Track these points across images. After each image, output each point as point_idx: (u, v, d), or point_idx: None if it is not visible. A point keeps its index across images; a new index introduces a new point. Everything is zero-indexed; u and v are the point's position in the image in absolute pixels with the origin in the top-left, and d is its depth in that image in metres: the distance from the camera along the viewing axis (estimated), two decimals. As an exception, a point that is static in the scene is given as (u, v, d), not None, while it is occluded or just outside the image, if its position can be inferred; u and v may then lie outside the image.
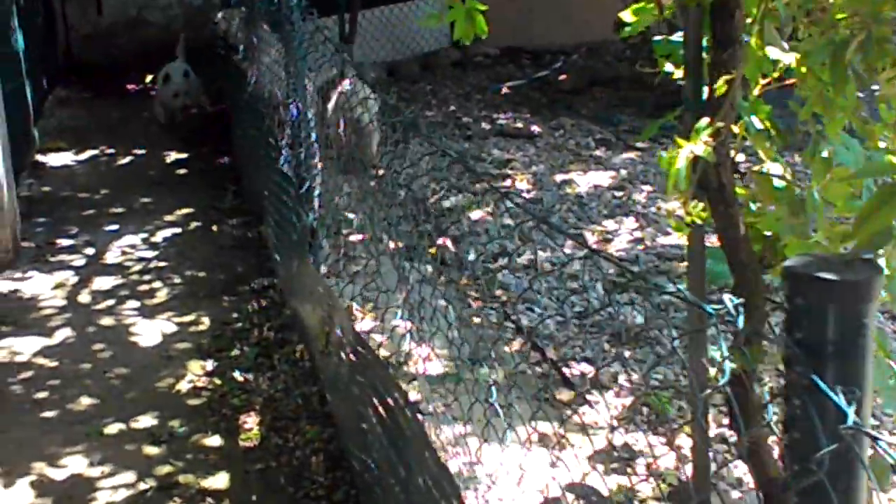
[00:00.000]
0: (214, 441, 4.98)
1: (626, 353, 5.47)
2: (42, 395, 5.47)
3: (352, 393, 4.00)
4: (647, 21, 3.34)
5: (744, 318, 1.63)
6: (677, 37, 3.03)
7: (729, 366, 1.62)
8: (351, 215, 6.63)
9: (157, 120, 10.34)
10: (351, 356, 3.93)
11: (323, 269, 5.30)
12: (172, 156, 9.64)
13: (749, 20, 2.67)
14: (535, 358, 5.39)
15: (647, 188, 7.85)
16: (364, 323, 5.36)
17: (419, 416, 3.25)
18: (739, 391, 2.32)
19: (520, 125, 9.63)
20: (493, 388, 3.09)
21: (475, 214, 7.35)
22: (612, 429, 4.66)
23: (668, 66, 3.15)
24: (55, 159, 9.74)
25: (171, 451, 4.90)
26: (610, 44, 12.06)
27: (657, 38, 3.66)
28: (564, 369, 5.31)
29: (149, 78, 12.37)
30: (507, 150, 8.86)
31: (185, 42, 9.39)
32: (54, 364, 5.81)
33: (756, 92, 2.83)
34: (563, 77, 11.17)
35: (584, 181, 8.05)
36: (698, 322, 2.85)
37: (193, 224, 7.96)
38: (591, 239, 6.80)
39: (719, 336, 1.65)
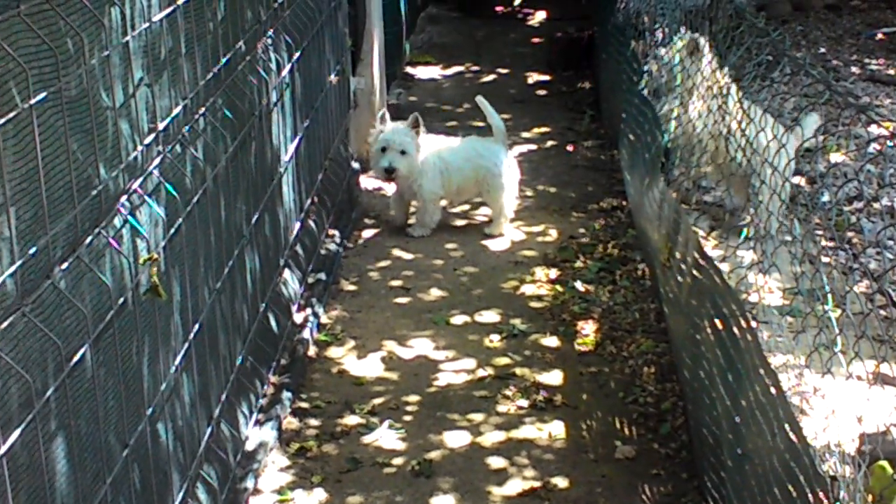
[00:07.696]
0: (552, 342, 5.18)
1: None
2: (396, 283, 5.85)
3: (690, 306, 4.07)
4: None
5: None
6: None
7: None
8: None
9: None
10: (693, 270, 3.99)
11: (672, 193, 5.35)
12: (534, 77, 9.88)
13: None
14: (882, 302, 5.27)
15: None
16: (707, 250, 5.38)
17: (756, 332, 3.28)
18: None
19: (892, 72, 9.26)
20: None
21: (835, 157, 7.17)
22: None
23: None
24: (423, 72, 10.19)
25: (511, 345, 5.15)
26: None
27: None
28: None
29: (517, 0, 12.67)
30: (874, 97, 8.56)
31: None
32: (409, 257, 6.18)
33: None
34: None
35: (955, 134, 7.68)
36: None
37: (549, 143, 8.18)
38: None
39: None
